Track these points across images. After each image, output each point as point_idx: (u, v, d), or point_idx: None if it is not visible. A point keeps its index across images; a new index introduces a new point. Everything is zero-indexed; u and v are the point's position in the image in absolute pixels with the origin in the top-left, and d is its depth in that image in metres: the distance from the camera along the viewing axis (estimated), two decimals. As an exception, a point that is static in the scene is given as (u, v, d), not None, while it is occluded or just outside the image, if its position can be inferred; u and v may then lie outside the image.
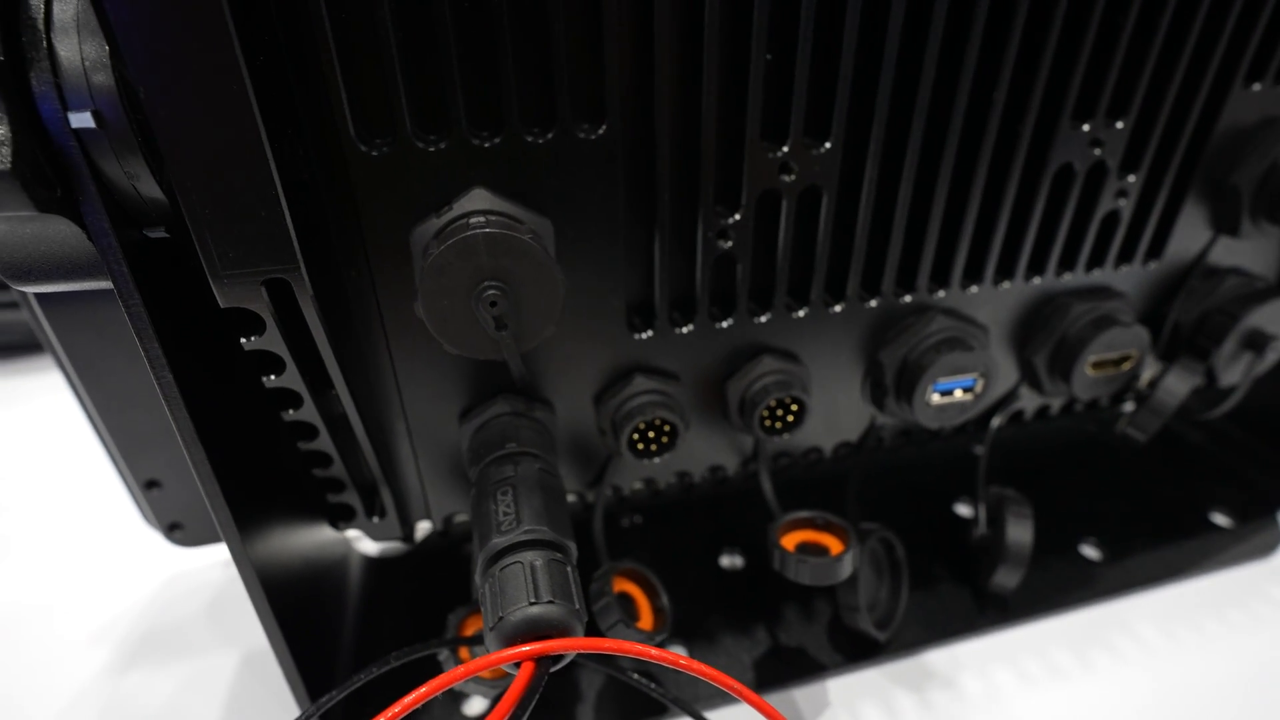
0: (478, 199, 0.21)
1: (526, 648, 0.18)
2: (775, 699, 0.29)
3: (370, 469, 0.26)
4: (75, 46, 0.16)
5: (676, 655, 0.18)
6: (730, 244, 0.25)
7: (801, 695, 0.29)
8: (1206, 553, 0.36)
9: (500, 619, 0.18)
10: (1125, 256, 0.31)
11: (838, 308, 0.28)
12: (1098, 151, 0.27)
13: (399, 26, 0.19)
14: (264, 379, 0.21)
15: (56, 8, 0.16)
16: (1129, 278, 0.31)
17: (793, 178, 0.24)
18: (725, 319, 0.27)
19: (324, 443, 0.24)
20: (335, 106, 0.20)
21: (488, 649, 0.18)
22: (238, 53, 0.16)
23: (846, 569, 0.26)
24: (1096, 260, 0.30)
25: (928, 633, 0.32)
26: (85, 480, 0.40)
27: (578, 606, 0.19)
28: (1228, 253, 0.33)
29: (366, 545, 0.35)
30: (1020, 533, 0.31)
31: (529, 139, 0.21)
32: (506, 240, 0.20)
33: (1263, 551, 0.36)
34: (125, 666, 0.31)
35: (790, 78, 0.22)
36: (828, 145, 0.24)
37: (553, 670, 0.19)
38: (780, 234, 0.25)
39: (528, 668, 0.18)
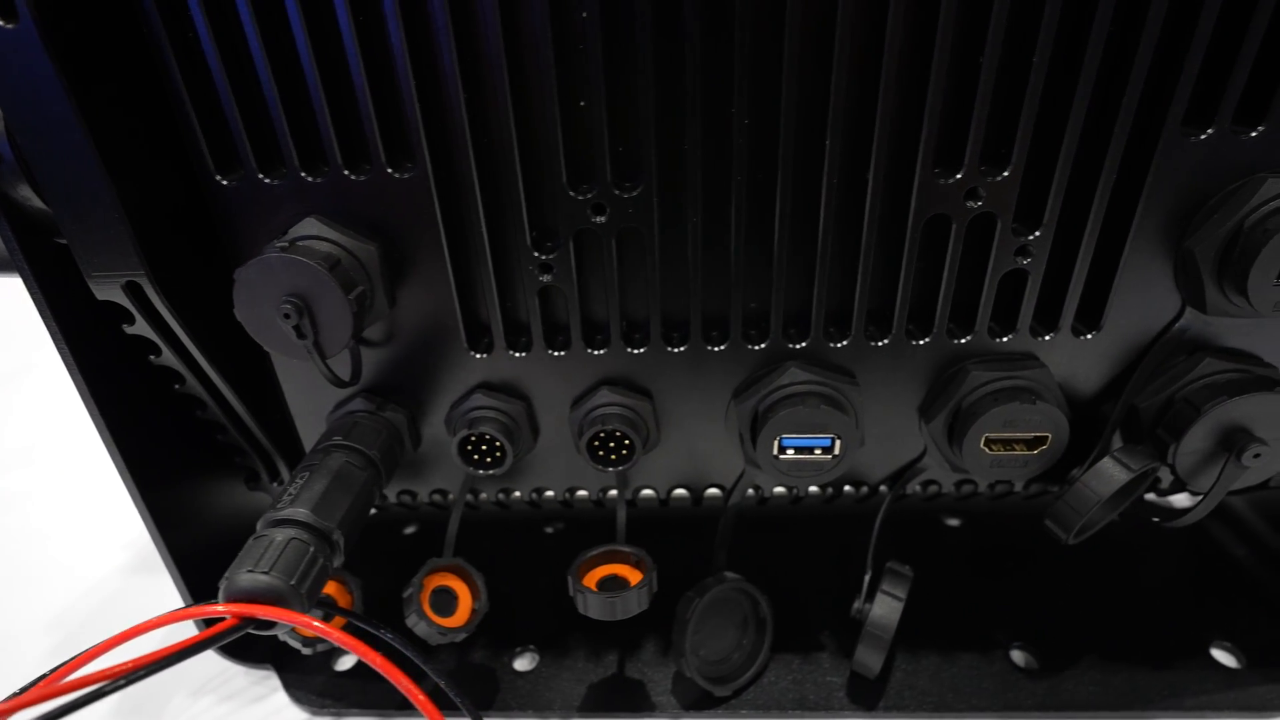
0: (309, 225, 0.25)
1: (226, 606, 0.21)
2: (594, 725, 0.30)
3: (261, 440, 0.31)
4: (-14, 107, 0.22)
5: (346, 636, 0.21)
6: (551, 278, 0.26)
7: (622, 728, 0.30)
8: (1179, 691, 0.29)
9: (228, 578, 0.22)
10: (1046, 324, 0.27)
11: (680, 349, 0.27)
12: (976, 204, 0.24)
13: (236, 88, 0.23)
14: (150, 359, 0.27)
15: (-14, 78, 0.22)
16: (1066, 348, 0.27)
17: (605, 219, 0.25)
18: (564, 349, 0.28)
19: (213, 413, 0.29)
20: (199, 148, 0.24)
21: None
22: (79, 121, 0.22)
23: (632, 606, 0.26)
24: (1005, 326, 0.27)
25: (778, 699, 0.30)
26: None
27: (294, 583, 0.22)
28: (1234, 331, 0.27)
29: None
30: (885, 612, 0.28)
31: (349, 175, 0.25)
32: (296, 264, 0.23)
33: (1264, 708, 0.29)
34: (135, 570, 0.39)
35: (597, 122, 0.23)
36: (638, 190, 0.24)
37: (260, 633, 0.22)
38: (603, 272, 0.26)
39: (227, 622, 0.21)
